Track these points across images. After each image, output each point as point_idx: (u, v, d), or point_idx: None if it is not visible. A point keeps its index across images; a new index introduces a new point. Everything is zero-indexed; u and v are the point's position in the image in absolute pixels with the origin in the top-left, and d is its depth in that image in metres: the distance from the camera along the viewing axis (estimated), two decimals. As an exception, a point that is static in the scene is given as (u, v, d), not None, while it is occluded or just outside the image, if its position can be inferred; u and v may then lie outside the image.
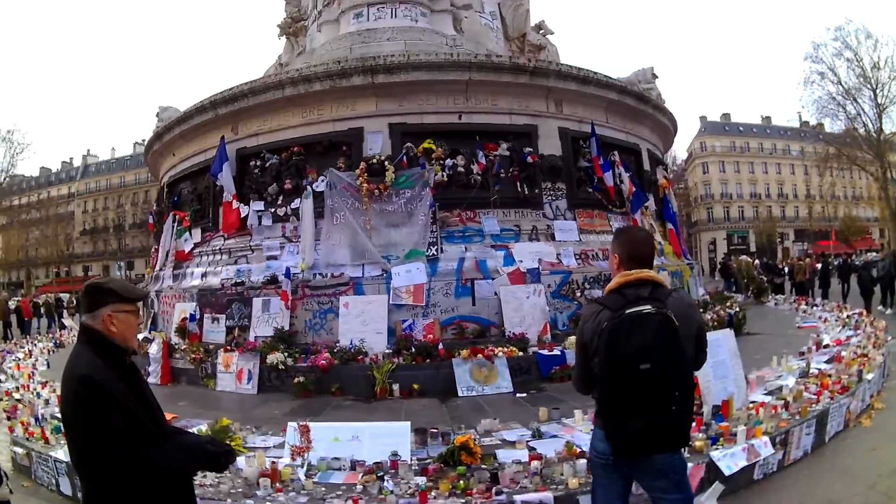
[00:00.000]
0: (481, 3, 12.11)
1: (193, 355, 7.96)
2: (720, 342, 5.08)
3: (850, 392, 5.35)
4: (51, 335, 15.00)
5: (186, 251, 9.58)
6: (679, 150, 59.89)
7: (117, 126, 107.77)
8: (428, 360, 6.84)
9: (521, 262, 7.94)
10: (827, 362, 6.60)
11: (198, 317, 8.56)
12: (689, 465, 3.75)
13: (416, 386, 6.64)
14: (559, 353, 7.02)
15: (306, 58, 10.10)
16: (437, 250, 7.83)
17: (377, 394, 6.58)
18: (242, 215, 8.75)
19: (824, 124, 30.42)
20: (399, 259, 7.75)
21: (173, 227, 9.92)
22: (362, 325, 7.46)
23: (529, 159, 8.41)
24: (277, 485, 3.89)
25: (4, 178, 34.82)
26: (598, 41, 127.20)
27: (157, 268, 10.41)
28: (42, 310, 18.26)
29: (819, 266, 18.15)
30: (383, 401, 6.50)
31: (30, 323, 17.18)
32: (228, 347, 7.74)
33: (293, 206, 8.40)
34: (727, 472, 3.86)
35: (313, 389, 6.79)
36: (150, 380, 8.36)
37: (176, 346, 8.41)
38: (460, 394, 6.56)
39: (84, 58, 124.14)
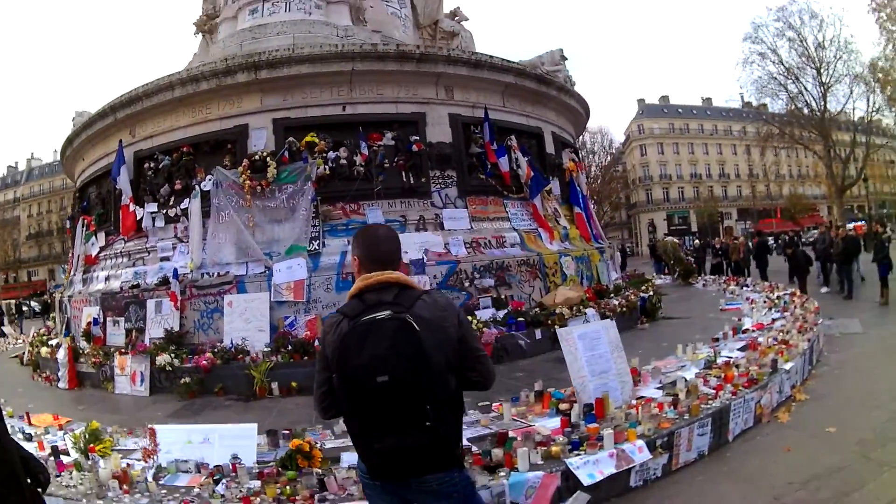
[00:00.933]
0: (389, -9, 12.02)
1: (94, 359, 8.20)
2: (599, 334, 4.92)
3: (760, 384, 4.91)
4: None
5: (93, 255, 9.78)
6: (617, 133, 61.50)
7: (61, 128, 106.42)
8: (306, 358, 6.98)
9: (406, 252, 8.01)
10: (741, 350, 6.32)
11: (101, 320, 8.78)
12: (541, 473, 3.52)
13: (294, 384, 6.77)
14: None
15: (203, 56, 10.11)
16: (318, 245, 7.96)
17: (257, 393, 6.76)
18: (138, 217, 8.91)
19: (767, 104, 31.48)
20: (280, 255, 7.90)
21: (82, 231, 10.10)
22: (245, 323, 7.64)
23: (415, 148, 8.48)
24: (125, 486, 3.99)
25: None
26: (526, 26, 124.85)
27: (72, 273, 10.62)
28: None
29: (756, 243, 17.97)
30: (262, 400, 6.68)
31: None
32: (123, 350, 7.96)
33: (183, 206, 8.55)
34: (588, 482, 3.55)
35: (197, 390, 7.01)
36: (60, 385, 8.63)
37: (81, 351, 8.64)
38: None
39: (26, 58, 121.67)
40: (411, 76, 8.84)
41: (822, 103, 28.07)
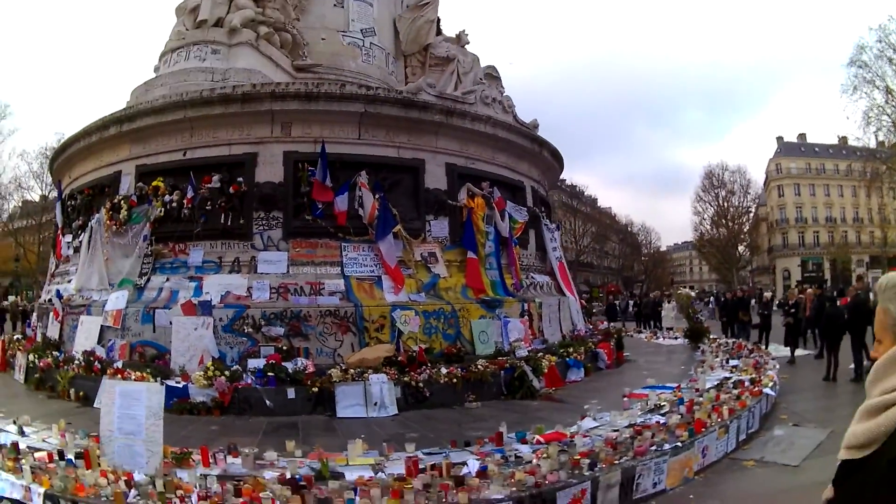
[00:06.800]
0: (347, 22, 13.45)
1: (10, 351, 11.56)
2: (140, 395, 5.36)
3: None
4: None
5: (49, 274, 13.36)
6: (757, 173, 64.98)
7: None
8: (92, 374, 9.12)
9: (208, 293, 9.48)
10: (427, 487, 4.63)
11: (32, 324, 12.19)
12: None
13: (82, 393, 9.01)
14: (182, 385, 8.24)
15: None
16: (145, 280, 10.03)
17: (60, 394, 9.21)
18: (62, 246, 12.06)
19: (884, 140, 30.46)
20: (115, 286, 10.15)
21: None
22: (86, 339, 10.16)
23: (231, 190, 9.95)
24: None
25: None
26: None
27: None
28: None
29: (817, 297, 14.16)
30: (61, 400, 9.06)
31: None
32: (20, 346, 11.11)
33: (80, 239, 11.38)
34: None
35: (40, 384, 9.78)
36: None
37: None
38: (95, 405, 8.63)
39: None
40: (244, 117, 10.28)
41: None
